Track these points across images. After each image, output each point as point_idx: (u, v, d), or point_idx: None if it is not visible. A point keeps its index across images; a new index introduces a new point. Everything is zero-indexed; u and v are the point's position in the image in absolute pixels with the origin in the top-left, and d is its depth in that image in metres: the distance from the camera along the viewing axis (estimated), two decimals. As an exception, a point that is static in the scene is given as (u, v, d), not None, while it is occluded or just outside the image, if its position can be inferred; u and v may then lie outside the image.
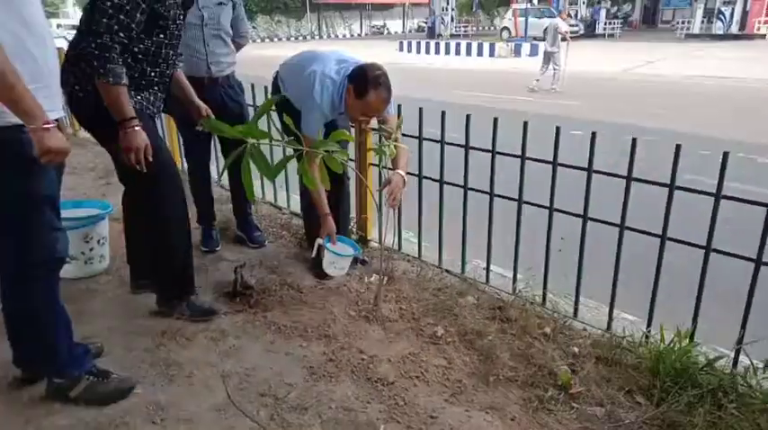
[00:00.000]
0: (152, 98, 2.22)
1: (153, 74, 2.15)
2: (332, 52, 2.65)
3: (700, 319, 2.13)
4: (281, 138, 2.07)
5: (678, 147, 2.02)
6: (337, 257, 2.63)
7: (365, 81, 2.36)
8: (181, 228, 2.32)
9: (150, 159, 2.04)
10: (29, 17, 1.55)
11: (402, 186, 2.56)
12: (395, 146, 2.45)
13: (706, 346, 2.14)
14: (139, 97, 2.15)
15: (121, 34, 1.92)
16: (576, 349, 2.20)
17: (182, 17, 2.16)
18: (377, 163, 2.98)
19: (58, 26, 38.16)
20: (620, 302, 2.37)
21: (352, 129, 2.89)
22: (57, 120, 1.69)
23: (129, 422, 1.79)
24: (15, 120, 1.48)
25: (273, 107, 2.69)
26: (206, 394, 1.95)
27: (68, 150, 1.54)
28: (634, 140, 2.14)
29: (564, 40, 11.16)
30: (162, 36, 2.09)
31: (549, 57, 11.35)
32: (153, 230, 2.30)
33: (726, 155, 1.91)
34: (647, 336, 2.20)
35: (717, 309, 2.88)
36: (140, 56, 2.06)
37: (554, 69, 11.33)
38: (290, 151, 2.04)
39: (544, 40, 11.82)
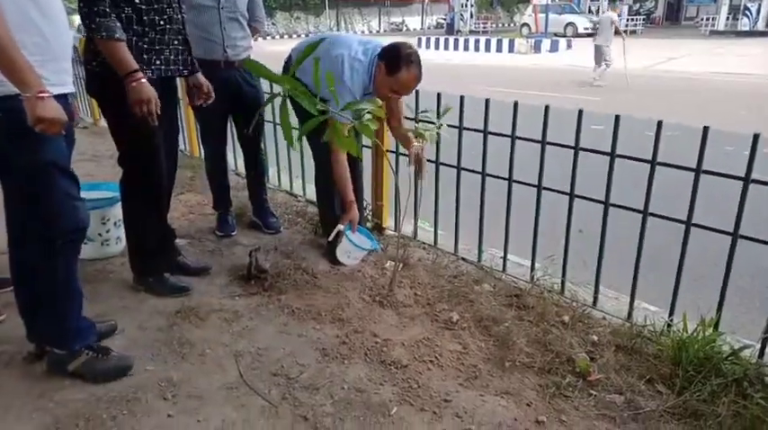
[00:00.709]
0: (171, 56, 2.19)
1: (161, 24, 2.10)
2: (347, 35, 2.63)
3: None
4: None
5: (706, 129, 1.96)
6: (354, 248, 2.60)
7: (398, 58, 2.36)
8: (155, 210, 2.38)
9: (159, 113, 2.04)
10: None
11: (424, 157, 2.56)
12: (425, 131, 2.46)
13: (730, 337, 2.07)
14: (158, 61, 2.14)
15: None
16: (595, 337, 2.14)
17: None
18: (397, 149, 2.96)
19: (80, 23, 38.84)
20: (639, 293, 2.31)
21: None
22: (65, 95, 1.69)
23: (140, 397, 1.79)
24: (15, 89, 1.47)
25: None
26: (218, 372, 1.94)
27: (63, 121, 1.53)
28: (659, 123, 2.07)
29: (617, 33, 10.88)
30: (159, 20, 2.07)
31: (601, 51, 11.07)
32: (126, 209, 2.37)
33: (756, 136, 1.85)
34: (668, 325, 2.14)
35: (737, 299, 2.82)
36: (143, 6, 2.03)
37: (604, 64, 11.06)
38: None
39: (565, 35, 11.63)
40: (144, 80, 1.99)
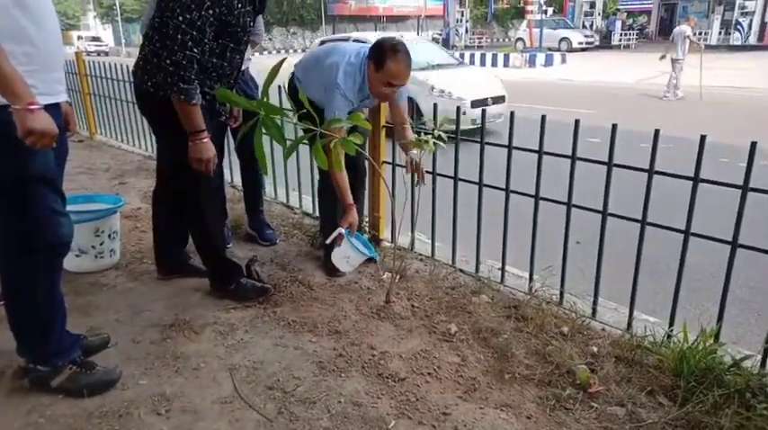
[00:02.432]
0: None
1: (216, 73, 2.20)
2: (345, 45, 2.64)
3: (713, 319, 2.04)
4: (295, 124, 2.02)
5: (703, 138, 1.95)
6: (353, 252, 2.57)
7: (382, 51, 2.36)
8: (217, 224, 2.51)
9: (214, 168, 2.18)
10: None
11: (421, 163, 2.55)
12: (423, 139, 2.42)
13: (731, 347, 2.05)
14: (209, 96, 2.22)
15: (195, 49, 1.99)
16: (594, 348, 2.12)
17: (251, 23, 2.20)
18: (395, 161, 2.95)
19: (79, 38, 38.98)
20: (638, 304, 2.29)
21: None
22: (57, 105, 1.68)
23: (132, 412, 1.75)
24: (3, 100, 1.45)
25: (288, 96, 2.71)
26: (213, 386, 1.90)
27: (54, 133, 1.50)
28: (656, 131, 2.07)
29: (693, 44, 10.85)
30: (228, 39, 2.14)
31: (674, 64, 11.02)
32: (194, 227, 2.47)
33: (754, 144, 1.84)
34: (669, 336, 2.12)
35: (737, 310, 2.81)
36: (208, 58, 2.11)
37: (672, 76, 11.03)
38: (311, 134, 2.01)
39: (559, 50, 11.68)
40: (206, 140, 2.10)
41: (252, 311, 2.40)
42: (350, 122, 2.00)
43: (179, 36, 1.95)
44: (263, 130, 1.85)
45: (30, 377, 1.83)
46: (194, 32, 1.96)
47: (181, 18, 1.94)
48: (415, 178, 2.57)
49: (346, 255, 2.56)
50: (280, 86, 3.12)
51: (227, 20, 2.06)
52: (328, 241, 2.52)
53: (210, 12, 1.98)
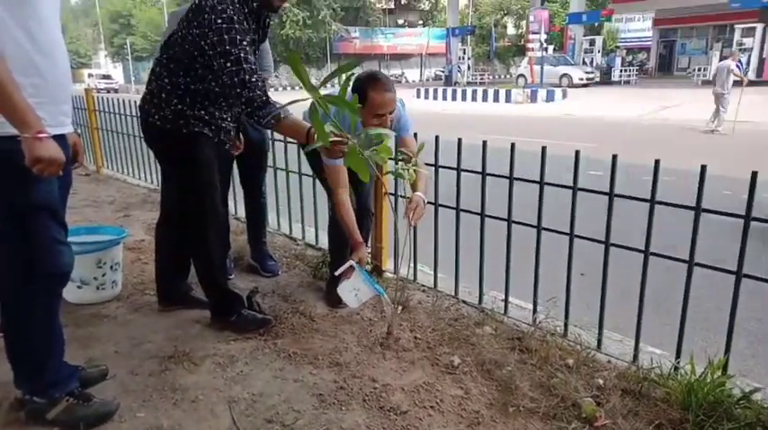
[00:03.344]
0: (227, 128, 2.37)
1: (226, 102, 2.27)
2: None
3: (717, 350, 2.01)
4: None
5: (704, 168, 1.96)
6: (364, 285, 2.49)
7: (362, 84, 2.34)
8: (220, 256, 2.55)
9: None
10: (36, 31, 1.57)
11: (423, 206, 2.50)
12: (414, 170, 2.41)
13: (739, 380, 2.01)
14: (214, 127, 2.30)
15: (256, 76, 2.06)
16: (600, 381, 2.08)
17: (255, 51, 2.26)
18: (394, 191, 2.97)
19: (90, 75, 39.91)
20: (643, 336, 2.26)
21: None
22: (62, 135, 1.70)
23: (128, 445, 1.72)
24: (13, 130, 1.48)
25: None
26: (210, 419, 1.87)
27: (61, 161, 1.52)
28: (657, 162, 2.08)
29: (740, 81, 10.86)
30: None
31: (719, 98, 11.05)
32: (198, 257, 2.48)
33: (755, 174, 1.85)
34: (676, 368, 2.08)
35: (745, 342, 2.76)
36: (214, 86, 2.19)
37: (721, 111, 11.05)
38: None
39: (560, 86, 11.79)
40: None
41: (252, 343, 2.38)
42: (379, 132, 2.00)
43: (236, 78, 2.03)
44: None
45: (26, 409, 1.80)
46: (245, 65, 2.03)
47: (229, 64, 2.02)
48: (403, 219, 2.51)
49: (356, 288, 2.49)
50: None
51: None
52: (338, 273, 2.47)
53: (245, 43, 2.05)
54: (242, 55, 2.03)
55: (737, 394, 1.86)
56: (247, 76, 2.02)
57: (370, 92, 2.33)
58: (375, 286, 2.41)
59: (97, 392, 1.93)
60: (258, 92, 2.04)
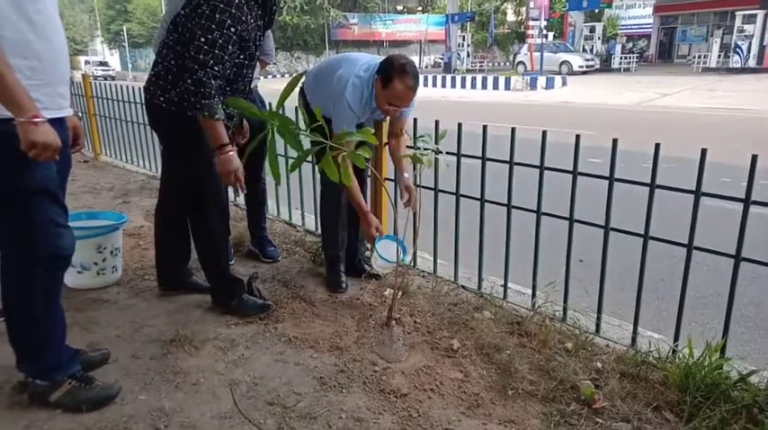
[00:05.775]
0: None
1: (231, 89, 2.23)
2: (359, 55, 2.62)
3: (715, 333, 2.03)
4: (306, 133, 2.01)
5: (704, 151, 1.96)
6: (391, 246, 2.53)
7: (391, 69, 2.32)
8: (223, 239, 2.53)
9: (242, 179, 2.18)
10: (34, 14, 1.55)
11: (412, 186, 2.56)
12: (415, 154, 2.41)
13: (737, 362, 2.03)
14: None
15: (216, 68, 2.03)
16: (599, 364, 2.09)
17: (261, 38, 2.25)
18: (396, 177, 2.96)
19: (86, 62, 39.59)
20: (642, 320, 2.27)
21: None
22: (62, 119, 1.69)
23: (131, 427, 1.73)
24: (7, 113, 1.47)
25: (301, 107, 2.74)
26: (212, 401, 1.88)
27: (57, 146, 1.52)
28: (657, 146, 2.08)
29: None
30: (242, 57, 2.18)
31: None
32: (201, 241, 2.46)
33: (755, 158, 1.85)
34: (674, 351, 2.09)
35: (742, 328, 2.78)
36: (223, 74, 2.15)
37: None
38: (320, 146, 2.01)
39: (560, 73, 11.66)
40: (232, 153, 2.12)
41: (253, 327, 2.39)
42: (360, 136, 2.00)
43: (201, 56, 1.99)
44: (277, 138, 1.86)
45: (28, 391, 1.82)
46: (216, 51, 2.01)
47: (203, 39, 1.99)
48: (408, 199, 2.56)
49: (388, 251, 2.52)
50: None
51: (245, 36, 2.11)
52: (370, 251, 2.55)
53: (233, 30, 2.03)
54: (220, 41, 2.01)
55: (735, 376, 1.88)
56: (211, 62, 2.00)
57: (396, 80, 2.32)
58: (401, 243, 2.51)
59: (99, 376, 1.94)
60: (208, 85, 2.00)
